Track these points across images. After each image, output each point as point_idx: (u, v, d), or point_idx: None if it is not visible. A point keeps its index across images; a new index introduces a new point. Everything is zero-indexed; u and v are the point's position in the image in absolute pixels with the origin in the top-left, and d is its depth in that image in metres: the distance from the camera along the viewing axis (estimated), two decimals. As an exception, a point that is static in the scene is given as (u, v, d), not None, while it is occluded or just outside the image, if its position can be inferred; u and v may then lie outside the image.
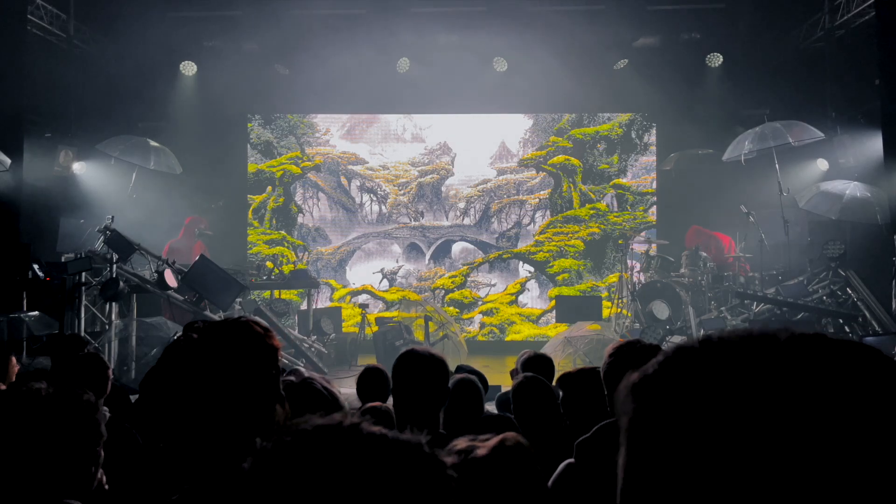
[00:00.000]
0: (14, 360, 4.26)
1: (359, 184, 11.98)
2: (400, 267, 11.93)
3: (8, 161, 7.53)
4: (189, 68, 11.03)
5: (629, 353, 2.07)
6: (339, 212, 11.99)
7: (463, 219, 11.96)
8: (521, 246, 11.90)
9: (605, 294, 11.39)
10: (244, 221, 11.89)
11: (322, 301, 11.47)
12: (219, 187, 11.42)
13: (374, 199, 11.98)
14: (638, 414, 0.55)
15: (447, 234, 11.95)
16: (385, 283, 11.92)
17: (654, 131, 11.81)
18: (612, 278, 11.44)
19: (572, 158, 11.86)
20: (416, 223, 11.95)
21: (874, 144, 8.63)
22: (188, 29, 10.55)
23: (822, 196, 8.76)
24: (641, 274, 9.95)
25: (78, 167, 10.04)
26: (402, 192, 11.94)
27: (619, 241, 11.40)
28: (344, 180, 11.98)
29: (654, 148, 11.80)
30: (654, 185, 11.82)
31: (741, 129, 9.46)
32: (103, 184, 10.14)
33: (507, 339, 11.60)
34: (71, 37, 9.87)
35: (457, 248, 11.96)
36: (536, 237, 11.86)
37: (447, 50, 10.93)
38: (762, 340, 0.54)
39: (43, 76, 9.06)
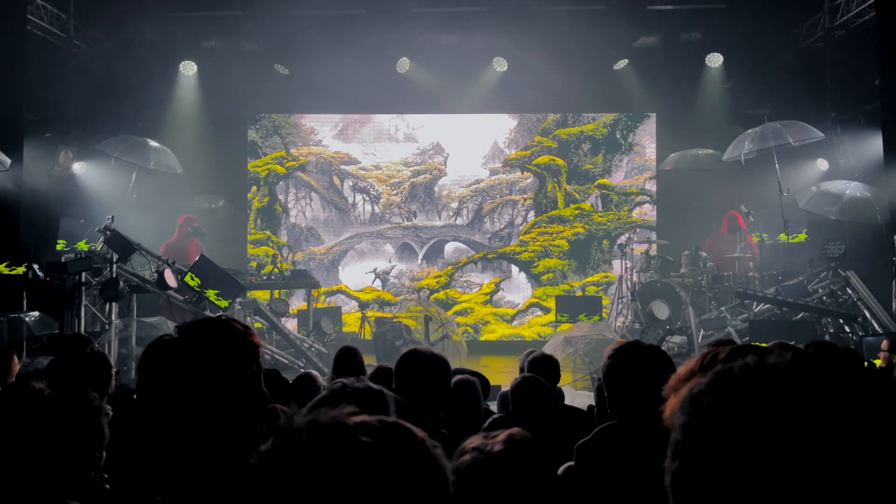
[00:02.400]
0: (16, 359, 4.26)
1: (351, 184, 11.98)
2: (392, 267, 11.93)
3: (8, 161, 7.52)
4: (189, 68, 11.03)
5: (629, 355, 2.07)
6: (331, 212, 11.99)
7: (455, 219, 11.96)
8: (514, 246, 11.91)
9: (592, 290, 11.47)
10: (244, 221, 11.89)
11: (297, 302, 11.32)
12: (219, 187, 11.43)
13: (367, 199, 11.98)
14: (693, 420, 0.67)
15: (440, 235, 11.95)
16: (378, 283, 11.91)
17: (638, 131, 11.82)
18: (597, 277, 11.51)
19: (557, 158, 11.87)
20: (409, 223, 11.95)
21: (874, 144, 8.63)
22: (188, 29, 10.56)
23: (822, 196, 8.76)
24: (635, 275, 9.92)
25: (78, 167, 10.04)
26: (395, 192, 11.95)
27: (619, 242, 11.40)
28: (336, 180, 11.97)
29: (638, 148, 11.82)
30: (646, 185, 11.81)
31: (741, 129, 9.47)
32: (103, 184, 10.14)
33: (482, 338, 11.58)
34: (71, 37, 9.87)
35: (449, 248, 11.96)
36: (521, 237, 11.88)
37: (447, 50, 10.93)
38: (775, 370, 0.65)
39: (43, 76, 9.06)
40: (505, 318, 11.78)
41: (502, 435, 1.28)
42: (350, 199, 11.99)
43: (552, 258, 11.81)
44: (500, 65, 11.11)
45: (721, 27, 10.61)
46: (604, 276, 11.73)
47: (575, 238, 11.82)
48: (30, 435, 1.58)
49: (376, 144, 11.98)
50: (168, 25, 10.41)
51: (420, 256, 11.94)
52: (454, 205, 11.96)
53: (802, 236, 8.82)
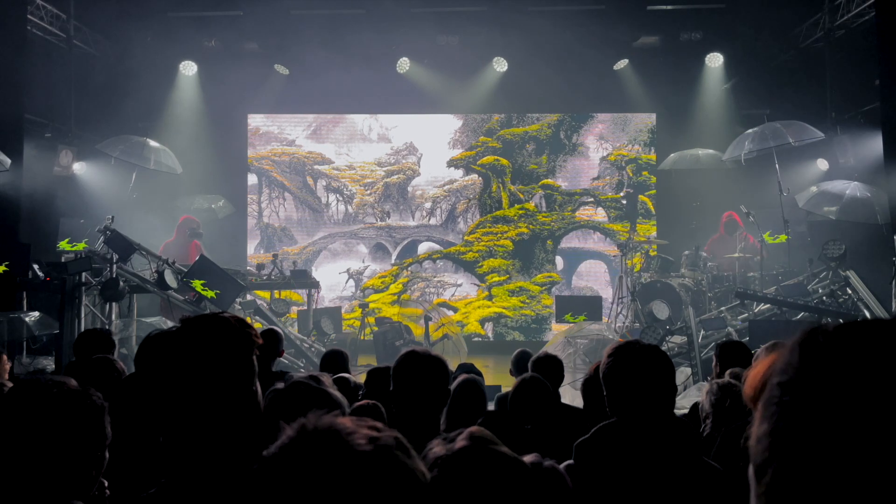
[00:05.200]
0: (5, 357, 4.25)
1: (325, 184, 11.97)
2: (366, 267, 11.92)
3: (8, 161, 7.52)
4: (189, 68, 11.03)
5: (629, 354, 2.07)
6: (304, 212, 11.99)
7: (429, 219, 11.96)
8: (459, 246, 11.94)
9: (537, 289, 11.64)
10: (244, 221, 11.88)
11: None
12: (219, 187, 11.42)
13: (340, 199, 11.97)
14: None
15: (413, 235, 11.95)
16: (351, 283, 11.89)
17: (582, 131, 11.87)
18: (540, 278, 11.69)
19: (501, 159, 11.89)
20: (383, 223, 11.95)
21: (874, 144, 8.62)
22: (188, 29, 10.55)
23: (822, 196, 8.75)
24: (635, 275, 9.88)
25: (78, 167, 10.05)
26: (369, 192, 11.94)
27: (624, 237, 11.31)
28: (310, 180, 11.97)
29: (582, 149, 11.86)
30: (595, 186, 11.82)
31: (741, 129, 9.47)
32: (103, 184, 10.14)
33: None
34: (71, 37, 9.86)
35: (423, 248, 11.96)
36: (466, 237, 11.90)
37: (447, 50, 10.93)
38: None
39: (43, 76, 9.06)
40: (413, 318, 11.65)
41: (462, 435, 1.28)
42: (323, 199, 11.99)
43: (496, 258, 11.84)
44: (501, 65, 11.11)
45: (721, 27, 10.61)
46: (547, 276, 11.75)
47: (519, 238, 11.85)
48: (35, 434, 1.57)
49: (350, 144, 11.98)
50: (168, 25, 10.41)
51: (393, 256, 11.95)
52: (428, 205, 11.96)
53: (783, 237, 8.86)
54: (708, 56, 10.85)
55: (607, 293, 11.24)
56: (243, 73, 10.93)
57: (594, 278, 11.80)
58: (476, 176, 11.96)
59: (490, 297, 11.69)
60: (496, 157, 11.88)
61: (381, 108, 11.79)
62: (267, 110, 11.88)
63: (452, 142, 11.94)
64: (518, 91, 11.30)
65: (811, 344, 0.65)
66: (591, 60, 10.73)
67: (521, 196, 11.86)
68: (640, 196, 11.80)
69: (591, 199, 11.85)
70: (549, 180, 11.85)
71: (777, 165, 8.89)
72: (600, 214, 11.87)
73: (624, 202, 11.75)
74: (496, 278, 11.78)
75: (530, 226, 11.84)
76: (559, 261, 11.92)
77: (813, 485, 0.60)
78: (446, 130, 11.94)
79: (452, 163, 11.91)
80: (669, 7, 10.58)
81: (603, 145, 11.87)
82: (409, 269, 11.96)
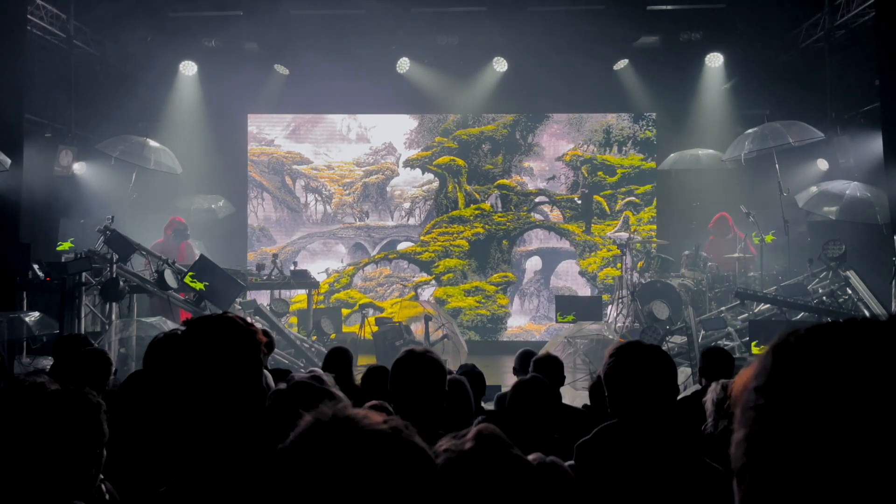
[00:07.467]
0: None
1: (303, 184, 11.98)
2: (345, 267, 11.91)
3: (8, 161, 7.51)
4: (189, 68, 11.03)
5: (630, 354, 2.07)
6: (283, 211, 11.99)
7: (408, 219, 11.96)
8: (416, 246, 11.92)
9: (493, 288, 11.67)
10: (244, 222, 11.88)
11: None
12: (219, 187, 11.42)
13: (319, 198, 11.98)
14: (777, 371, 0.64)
15: (392, 235, 11.96)
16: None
17: (537, 132, 11.88)
18: (496, 278, 11.73)
19: (457, 159, 11.89)
20: (361, 223, 11.95)
21: (874, 144, 8.62)
22: (188, 29, 10.56)
23: (822, 196, 8.76)
24: (635, 275, 9.86)
25: (78, 167, 10.04)
26: (347, 192, 11.95)
27: (619, 242, 11.30)
28: (288, 180, 11.98)
29: (537, 149, 11.87)
30: (547, 185, 11.81)
31: (741, 129, 9.47)
32: (103, 184, 10.14)
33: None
34: (71, 37, 9.86)
35: (402, 248, 11.97)
36: (422, 237, 11.92)
37: (447, 50, 10.93)
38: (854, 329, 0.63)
39: (43, 76, 9.05)
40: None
41: (472, 432, 1.29)
42: (302, 199, 11.99)
43: (452, 258, 11.85)
44: (501, 65, 11.11)
45: (721, 27, 10.61)
46: (503, 276, 11.78)
47: (475, 238, 11.87)
48: (33, 434, 1.57)
49: (328, 144, 11.98)
50: (168, 25, 10.41)
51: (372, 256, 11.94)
52: (406, 205, 11.96)
53: (770, 237, 8.91)
54: (708, 56, 10.85)
55: (585, 292, 11.46)
56: (243, 73, 10.93)
57: (572, 278, 11.83)
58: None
59: (417, 297, 11.62)
60: (452, 158, 11.90)
61: (381, 108, 11.78)
62: (267, 110, 11.88)
63: (408, 142, 11.95)
64: (518, 91, 11.30)
65: (783, 347, 0.64)
66: (591, 60, 10.74)
67: (477, 196, 11.89)
68: (594, 196, 11.83)
69: (547, 200, 11.87)
70: (505, 180, 11.89)
71: (777, 165, 8.89)
72: (557, 215, 11.90)
73: (579, 202, 11.79)
74: (424, 278, 11.80)
75: (486, 226, 11.87)
76: (537, 260, 11.93)
77: (789, 490, 0.59)
78: (425, 130, 11.94)
79: (409, 163, 11.92)
80: (669, 7, 10.58)
81: (558, 145, 11.88)
82: (368, 268, 11.92)
